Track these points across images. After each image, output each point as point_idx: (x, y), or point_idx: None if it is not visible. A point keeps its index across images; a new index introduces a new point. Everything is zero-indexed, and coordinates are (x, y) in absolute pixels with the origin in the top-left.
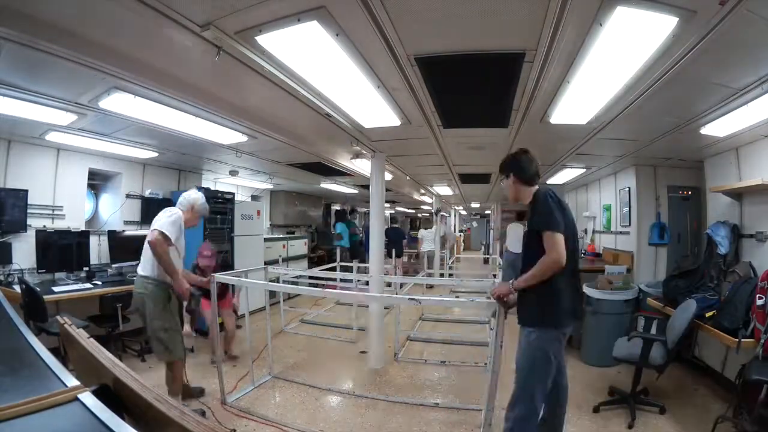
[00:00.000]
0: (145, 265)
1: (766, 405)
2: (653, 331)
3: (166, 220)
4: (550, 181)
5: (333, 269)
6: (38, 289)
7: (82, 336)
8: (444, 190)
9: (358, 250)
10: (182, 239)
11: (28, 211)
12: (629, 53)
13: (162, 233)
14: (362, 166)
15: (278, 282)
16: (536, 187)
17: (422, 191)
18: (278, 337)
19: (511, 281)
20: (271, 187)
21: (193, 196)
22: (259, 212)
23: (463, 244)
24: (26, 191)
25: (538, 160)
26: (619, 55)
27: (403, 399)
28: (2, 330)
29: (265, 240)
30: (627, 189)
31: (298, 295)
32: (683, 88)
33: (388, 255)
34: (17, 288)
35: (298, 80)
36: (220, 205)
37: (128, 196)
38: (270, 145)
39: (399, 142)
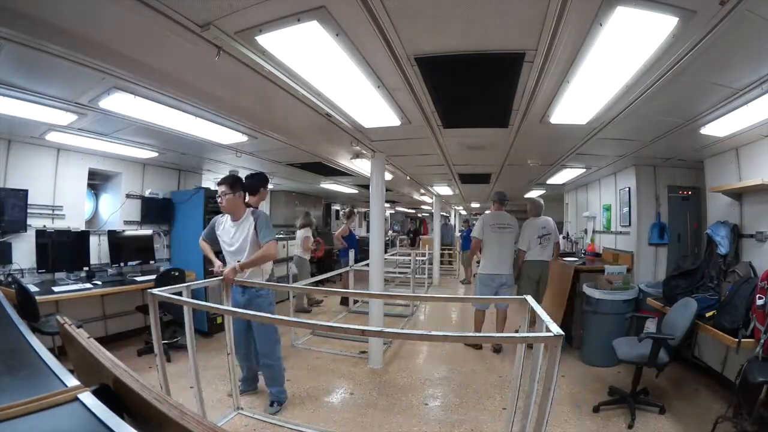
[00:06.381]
0: None
1: (766, 405)
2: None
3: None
4: (550, 182)
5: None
6: (30, 287)
7: (82, 336)
8: (444, 190)
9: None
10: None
11: (28, 211)
12: (629, 53)
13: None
14: (362, 166)
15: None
16: None
17: (422, 191)
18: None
19: None
20: (271, 187)
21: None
22: None
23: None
24: (26, 191)
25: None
26: (619, 55)
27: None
28: (2, 330)
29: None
30: (627, 189)
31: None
32: (683, 88)
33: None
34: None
35: (298, 80)
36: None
37: (128, 196)
38: (270, 145)
39: (399, 142)
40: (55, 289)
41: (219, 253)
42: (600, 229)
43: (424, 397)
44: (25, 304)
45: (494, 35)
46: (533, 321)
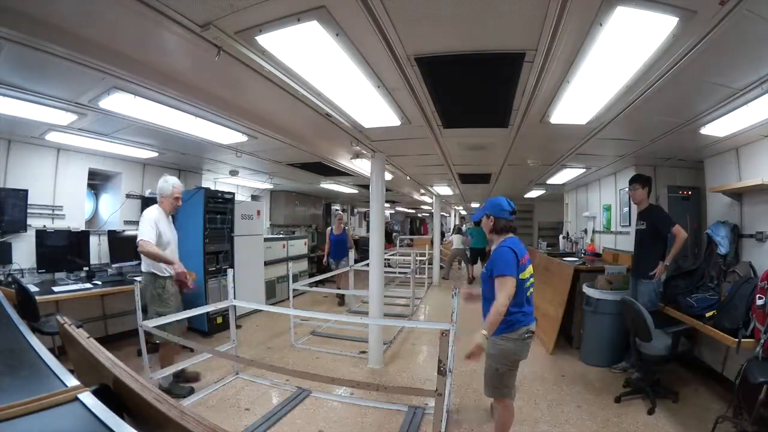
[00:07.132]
0: (142, 263)
1: (766, 405)
2: None
3: (141, 227)
4: (550, 182)
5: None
6: (30, 287)
7: (82, 336)
8: (444, 190)
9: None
10: (167, 228)
11: (28, 211)
12: (629, 53)
13: (142, 241)
14: (362, 166)
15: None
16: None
17: (422, 191)
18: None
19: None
20: (271, 187)
21: (160, 184)
22: (259, 212)
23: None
24: (26, 191)
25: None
26: (619, 55)
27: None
28: (2, 330)
29: (265, 240)
30: (627, 189)
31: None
32: (683, 88)
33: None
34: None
35: (298, 80)
36: (221, 205)
37: (128, 196)
38: (270, 145)
39: (399, 142)
40: (55, 289)
41: None
42: (600, 229)
43: (424, 397)
44: (25, 304)
45: (494, 35)
46: None
